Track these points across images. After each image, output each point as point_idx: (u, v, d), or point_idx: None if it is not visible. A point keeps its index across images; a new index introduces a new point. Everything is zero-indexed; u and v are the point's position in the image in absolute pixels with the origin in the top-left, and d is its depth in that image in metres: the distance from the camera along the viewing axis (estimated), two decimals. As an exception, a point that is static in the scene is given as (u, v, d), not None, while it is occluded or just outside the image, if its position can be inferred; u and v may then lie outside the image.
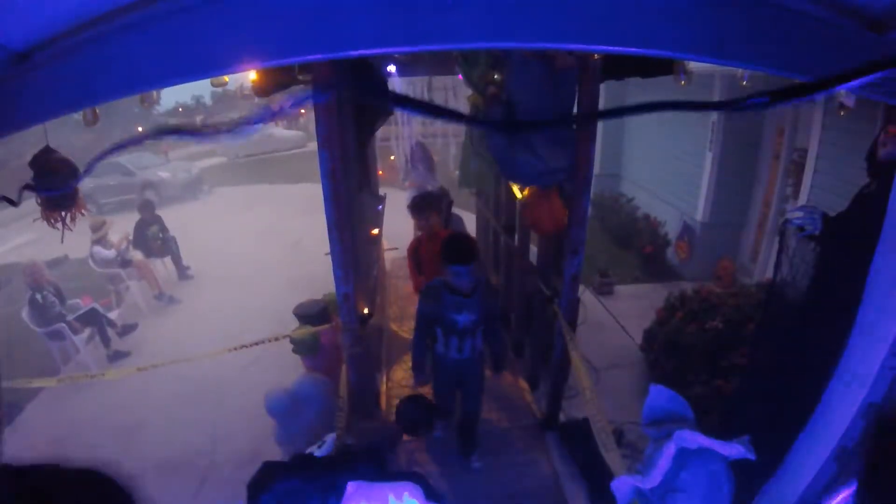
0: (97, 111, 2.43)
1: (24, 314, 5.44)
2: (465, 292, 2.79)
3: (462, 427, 3.39)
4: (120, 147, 1.00)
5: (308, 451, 2.56)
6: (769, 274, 3.28)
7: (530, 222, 3.71)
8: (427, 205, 3.72)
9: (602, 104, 3.02)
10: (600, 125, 7.19)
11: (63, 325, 5.44)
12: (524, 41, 1.04)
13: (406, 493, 1.58)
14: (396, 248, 6.26)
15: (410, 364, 3.17)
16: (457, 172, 5.38)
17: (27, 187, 1.35)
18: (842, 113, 3.87)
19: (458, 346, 2.96)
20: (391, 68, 3.69)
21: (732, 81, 5.78)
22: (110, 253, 6.74)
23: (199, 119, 28.39)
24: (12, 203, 1.36)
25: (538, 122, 2.62)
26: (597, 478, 3.08)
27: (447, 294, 2.82)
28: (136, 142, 0.97)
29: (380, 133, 4.62)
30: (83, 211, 2.21)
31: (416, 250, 3.77)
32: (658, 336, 4.59)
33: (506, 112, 2.78)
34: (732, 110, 0.71)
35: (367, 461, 2.02)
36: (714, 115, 6.31)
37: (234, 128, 0.82)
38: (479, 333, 2.99)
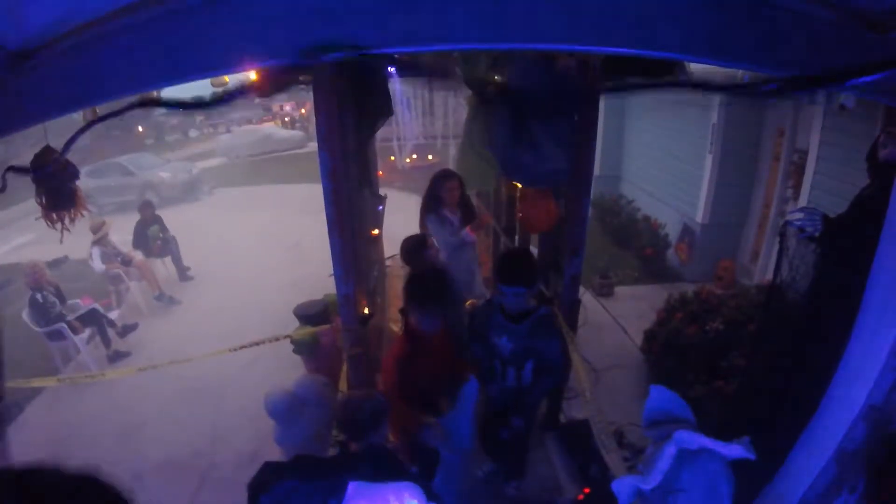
0: (97, 111, 2.43)
1: (25, 314, 5.45)
2: (512, 315, 2.59)
3: (508, 450, 3.02)
4: (107, 117, 1.00)
5: None
6: (769, 275, 3.28)
7: (523, 220, 3.70)
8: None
9: (602, 106, 3.02)
10: (600, 127, 7.19)
11: (63, 325, 5.44)
12: (524, 42, 1.04)
13: (406, 494, 1.58)
14: (397, 254, 6.23)
15: None
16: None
17: (13, 169, 1.34)
18: (842, 113, 3.88)
19: (502, 373, 2.76)
20: (391, 68, 3.68)
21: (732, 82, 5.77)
22: (101, 266, 6.71)
23: (198, 119, 28.42)
24: None
25: (539, 99, 2.58)
26: (597, 479, 3.08)
27: (495, 314, 2.65)
28: (122, 112, 0.97)
29: (380, 133, 4.49)
30: (84, 211, 2.21)
31: (403, 364, 2.49)
32: (658, 337, 4.59)
33: (505, 113, 2.78)
34: (740, 95, 0.71)
35: (367, 462, 2.02)
36: (714, 118, 6.30)
37: (218, 99, 0.82)
38: (528, 370, 2.68)
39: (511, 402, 2.76)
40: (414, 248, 3.30)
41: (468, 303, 3.21)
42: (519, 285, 2.51)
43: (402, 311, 2.63)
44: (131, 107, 0.95)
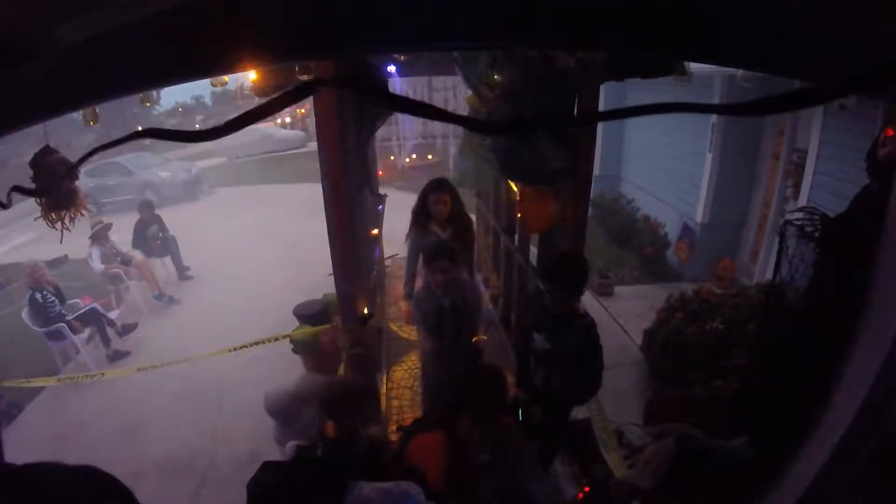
0: (97, 111, 2.43)
1: (24, 314, 5.45)
2: (555, 316, 2.57)
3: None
4: (111, 145, 1.00)
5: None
6: (769, 275, 3.28)
7: (521, 220, 3.69)
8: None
9: (602, 105, 3.02)
10: (600, 126, 7.19)
11: (63, 324, 5.43)
12: (522, 41, 1.03)
13: (407, 493, 1.58)
14: (397, 254, 6.26)
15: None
16: (456, 172, 5.32)
17: (16, 189, 1.33)
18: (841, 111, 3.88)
19: (533, 370, 2.73)
20: (391, 68, 3.68)
21: (732, 81, 5.78)
22: (100, 266, 6.72)
23: (198, 119, 28.40)
24: (2, 206, 1.35)
25: (534, 122, 2.60)
26: (597, 478, 3.08)
27: (539, 310, 2.65)
28: (125, 140, 0.96)
29: (380, 133, 4.44)
30: (83, 211, 2.21)
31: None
32: (658, 337, 4.59)
33: (506, 113, 2.78)
34: (739, 114, 0.71)
35: (368, 461, 2.02)
36: (714, 116, 6.30)
37: (221, 131, 0.81)
38: (559, 374, 2.62)
39: (538, 403, 2.70)
40: (430, 254, 2.91)
41: (474, 338, 3.02)
42: (566, 288, 2.51)
43: (445, 418, 2.18)
44: (135, 136, 0.95)
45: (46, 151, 1.91)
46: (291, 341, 4.18)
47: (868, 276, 1.07)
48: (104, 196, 12.63)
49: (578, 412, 3.54)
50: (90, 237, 6.69)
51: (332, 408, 2.17)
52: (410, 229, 3.54)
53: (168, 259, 7.73)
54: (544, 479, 2.43)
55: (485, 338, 3.12)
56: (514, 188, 3.79)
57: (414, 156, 12.83)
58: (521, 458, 2.15)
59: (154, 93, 3.21)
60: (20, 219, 9.84)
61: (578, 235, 3.00)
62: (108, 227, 6.92)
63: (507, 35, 1.02)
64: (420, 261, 3.10)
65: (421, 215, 3.48)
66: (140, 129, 0.95)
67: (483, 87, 2.99)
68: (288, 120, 24.00)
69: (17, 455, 0.90)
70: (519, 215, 3.78)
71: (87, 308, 5.81)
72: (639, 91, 6.90)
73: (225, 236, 9.77)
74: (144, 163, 13.90)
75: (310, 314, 4.30)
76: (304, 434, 3.51)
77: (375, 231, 4.93)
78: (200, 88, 30.38)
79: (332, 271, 3.01)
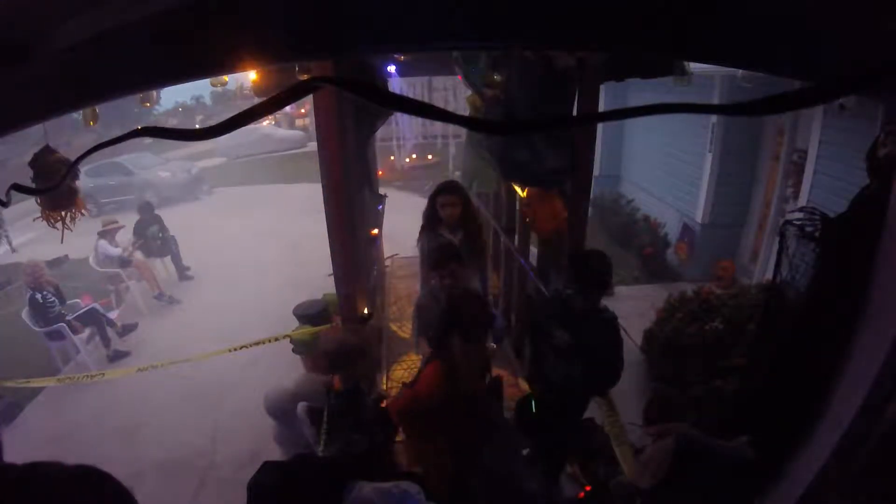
0: (97, 111, 2.43)
1: (24, 314, 5.44)
2: (575, 311, 2.57)
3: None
4: (109, 143, 1.00)
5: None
6: (769, 275, 3.28)
7: (531, 223, 3.69)
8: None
9: (602, 105, 3.02)
10: (600, 127, 7.19)
11: (63, 324, 5.43)
12: (522, 41, 1.03)
13: (407, 493, 1.57)
14: (397, 254, 6.25)
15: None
16: (457, 173, 5.30)
17: (15, 187, 1.34)
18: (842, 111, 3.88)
19: (552, 367, 2.67)
20: (391, 68, 3.69)
21: (732, 81, 5.78)
22: (115, 250, 6.76)
23: (198, 119, 28.42)
24: (2, 204, 1.36)
25: (534, 122, 2.60)
26: (598, 477, 3.08)
27: (559, 307, 2.67)
28: (124, 138, 0.96)
29: (380, 133, 4.40)
30: (83, 210, 2.21)
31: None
32: (658, 337, 4.59)
33: (506, 113, 2.78)
34: (737, 114, 0.71)
35: (368, 461, 2.02)
36: (714, 116, 6.31)
37: (221, 129, 0.81)
38: (580, 367, 2.58)
39: (555, 401, 2.68)
40: (438, 258, 2.76)
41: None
42: (595, 287, 2.57)
43: (437, 348, 2.24)
44: (135, 134, 0.95)
45: (46, 151, 1.91)
46: (291, 341, 4.19)
47: (868, 276, 1.07)
48: (104, 196, 12.61)
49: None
50: (99, 232, 6.75)
51: (333, 361, 2.44)
52: (420, 234, 3.38)
53: (168, 259, 7.73)
54: (537, 479, 2.46)
55: (494, 346, 3.00)
56: (519, 190, 3.78)
57: (414, 156, 12.84)
58: (515, 458, 2.20)
59: (154, 93, 3.22)
60: (20, 219, 9.84)
61: (578, 235, 3.00)
62: (118, 228, 7.00)
63: (507, 35, 1.02)
64: (425, 267, 3.01)
65: (430, 219, 3.32)
66: (140, 127, 0.95)
67: (483, 87, 2.99)
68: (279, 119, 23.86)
69: (17, 455, 0.90)
70: (527, 218, 3.76)
71: (87, 308, 5.81)
72: (639, 91, 6.92)
73: (225, 236, 9.76)
74: (144, 163, 13.89)
75: (310, 314, 4.30)
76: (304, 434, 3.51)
77: (375, 231, 4.92)
78: (200, 88, 30.42)
79: (332, 271, 3.01)
